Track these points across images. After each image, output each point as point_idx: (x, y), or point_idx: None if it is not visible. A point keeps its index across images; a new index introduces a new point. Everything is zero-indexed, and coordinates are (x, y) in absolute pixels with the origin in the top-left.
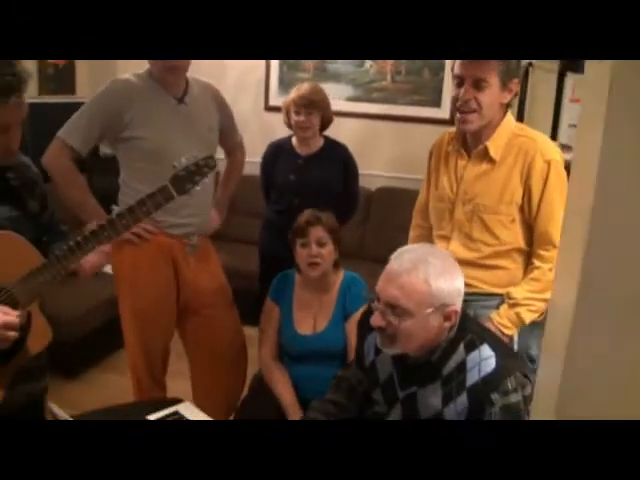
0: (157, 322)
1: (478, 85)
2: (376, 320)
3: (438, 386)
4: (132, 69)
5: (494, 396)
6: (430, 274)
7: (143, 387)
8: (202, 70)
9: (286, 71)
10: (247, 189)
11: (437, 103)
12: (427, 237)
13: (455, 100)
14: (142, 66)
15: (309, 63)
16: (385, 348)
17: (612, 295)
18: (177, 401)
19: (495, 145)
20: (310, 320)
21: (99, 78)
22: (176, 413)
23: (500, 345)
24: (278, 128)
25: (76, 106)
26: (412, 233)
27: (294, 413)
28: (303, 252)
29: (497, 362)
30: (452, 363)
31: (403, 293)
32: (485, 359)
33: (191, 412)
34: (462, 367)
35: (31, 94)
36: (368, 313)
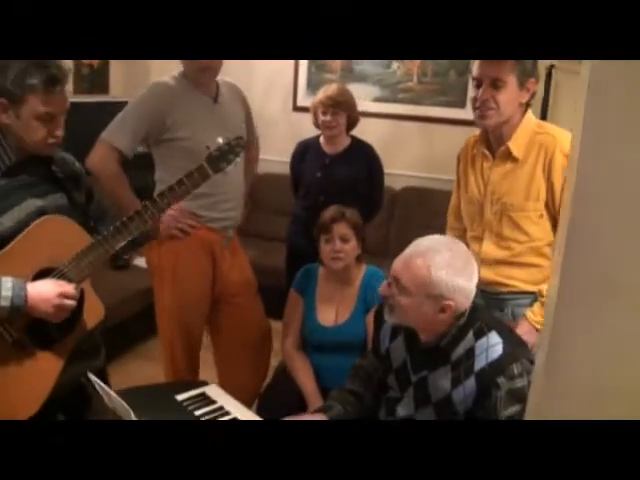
0: (197, 311)
1: (495, 85)
2: (383, 288)
3: (448, 370)
4: (165, 69)
5: (500, 380)
6: (435, 263)
7: (178, 371)
8: (231, 72)
9: (314, 72)
10: (274, 187)
11: (462, 104)
12: (462, 238)
13: (474, 100)
14: (175, 66)
15: (336, 64)
16: (386, 316)
17: (591, 281)
18: (203, 383)
19: (517, 144)
20: (332, 312)
21: (133, 78)
22: (203, 394)
23: (508, 333)
24: (306, 128)
25: (109, 105)
26: (448, 234)
27: (315, 401)
28: (327, 247)
29: (504, 349)
30: (461, 349)
31: (407, 272)
32: (493, 345)
33: (217, 393)
34: (471, 353)
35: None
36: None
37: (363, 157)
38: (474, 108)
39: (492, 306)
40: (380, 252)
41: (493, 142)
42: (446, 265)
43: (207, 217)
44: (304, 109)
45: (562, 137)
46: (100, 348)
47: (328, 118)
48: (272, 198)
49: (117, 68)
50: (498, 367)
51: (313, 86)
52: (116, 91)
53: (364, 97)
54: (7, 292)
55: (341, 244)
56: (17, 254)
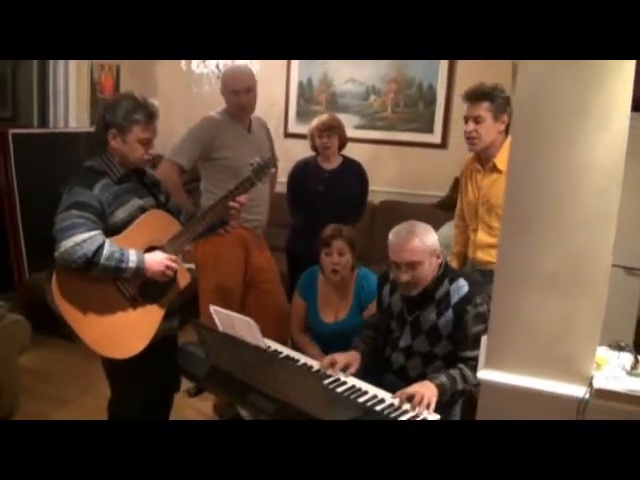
0: (233, 291)
1: (476, 121)
2: (404, 277)
3: (433, 308)
4: (170, 98)
5: (469, 307)
6: (421, 237)
7: None
8: (201, 101)
9: (303, 104)
10: (270, 203)
11: (430, 130)
12: (465, 231)
13: (465, 132)
14: (179, 94)
15: (322, 97)
16: (410, 292)
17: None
18: None
19: (501, 160)
20: (332, 311)
21: None
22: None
23: (470, 278)
24: (296, 152)
25: None
26: (455, 230)
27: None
28: (327, 260)
29: (469, 287)
30: (441, 292)
31: (413, 253)
32: (461, 287)
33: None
34: (447, 293)
35: (83, 124)
36: (384, 275)
37: (354, 171)
38: (465, 138)
39: (488, 280)
40: (363, 257)
41: (483, 160)
42: (424, 233)
43: (243, 218)
44: (294, 135)
45: None
46: (177, 312)
47: (324, 140)
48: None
49: None
50: (466, 299)
51: (302, 115)
52: None
53: (346, 125)
54: (133, 257)
55: (339, 257)
56: (133, 236)
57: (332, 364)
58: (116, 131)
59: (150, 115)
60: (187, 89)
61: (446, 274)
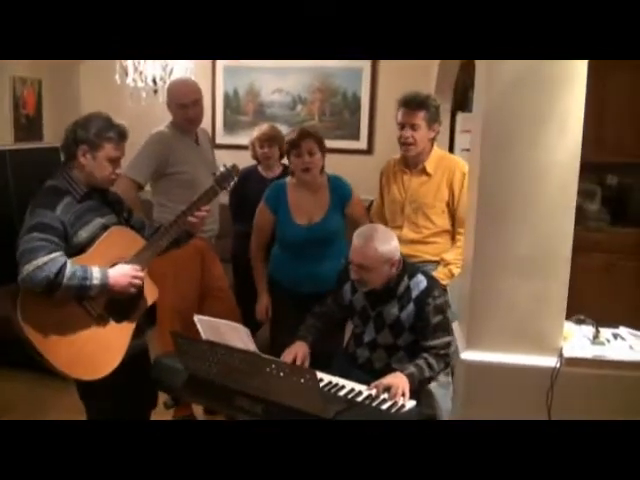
0: (192, 303)
1: (413, 127)
2: (354, 275)
3: (395, 302)
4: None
5: (429, 300)
6: (377, 244)
7: None
8: (158, 117)
9: (229, 115)
10: None
11: (356, 137)
12: None
13: (400, 137)
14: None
15: (249, 107)
16: (361, 288)
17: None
18: None
19: (430, 164)
20: (305, 214)
21: (62, 126)
22: None
23: (427, 273)
24: (223, 162)
25: (45, 151)
26: None
27: (262, 293)
28: (297, 160)
29: (427, 281)
30: (402, 287)
31: (365, 258)
32: (421, 281)
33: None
34: (408, 287)
35: (6, 141)
36: (344, 270)
37: None
38: (400, 143)
39: None
40: None
41: (411, 163)
42: (382, 241)
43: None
44: (222, 146)
45: (460, 162)
46: (145, 327)
47: (265, 150)
48: None
49: (48, 117)
50: (426, 292)
51: (229, 126)
52: (49, 138)
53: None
54: (97, 273)
55: (310, 157)
56: (97, 254)
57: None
58: (87, 147)
59: (121, 134)
60: (118, 104)
61: (405, 270)
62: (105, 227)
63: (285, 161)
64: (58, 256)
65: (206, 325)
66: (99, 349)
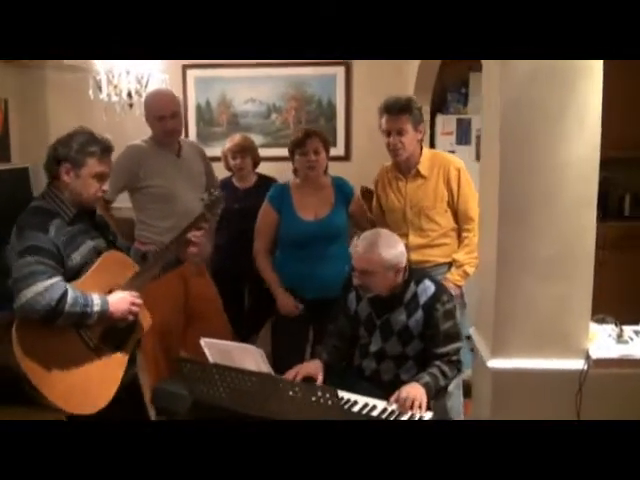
0: (175, 328)
1: (400, 133)
2: (356, 281)
3: (402, 309)
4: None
5: (438, 306)
6: (381, 250)
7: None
8: (128, 130)
9: (202, 126)
10: None
11: (333, 143)
12: None
13: (388, 145)
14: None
15: (223, 118)
16: (365, 293)
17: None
18: None
19: (423, 167)
20: (311, 210)
21: (28, 146)
22: None
23: (434, 279)
24: None
25: (13, 172)
26: None
27: (281, 295)
28: (303, 159)
29: (435, 287)
30: (409, 293)
31: (370, 264)
32: (428, 287)
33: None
34: (415, 294)
35: None
36: (348, 279)
37: (269, 187)
38: (389, 150)
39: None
40: None
41: (404, 168)
42: (387, 246)
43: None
44: None
45: (452, 158)
46: (136, 356)
47: (238, 161)
48: None
49: (16, 136)
50: (434, 298)
51: (203, 138)
52: (16, 158)
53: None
54: (97, 300)
55: (314, 156)
56: (92, 281)
57: (295, 376)
58: (70, 165)
59: (105, 149)
60: (90, 120)
61: (412, 276)
62: (97, 250)
63: (259, 170)
64: (58, 281)
65: (214, 348)
66: (95, 381)
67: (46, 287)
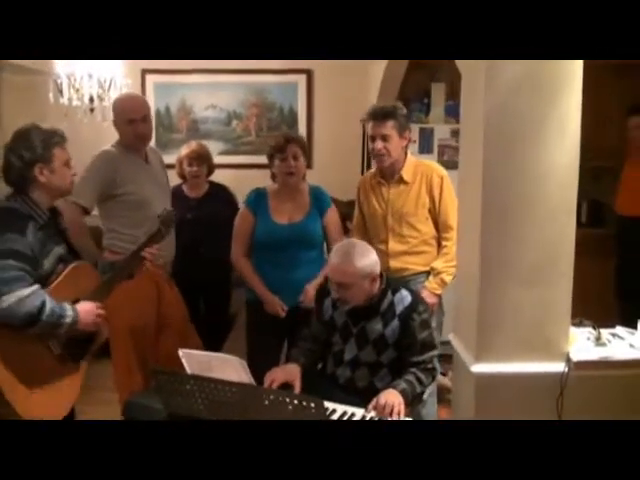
0: (148, 334)
1: (384, 139)
2: (335, 294)
3: (379, 318)
4: None
5: (414, 315)
6: (356, 260)
7: (136, 385)
8: (81, 131)
9: (162, 132)
10: None
11: None
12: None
13: (372, 150)
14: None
15: (182, 124)
16: (343, 306)
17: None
18: None
19: (406, 173)
20: (286, 215)
21: None
22: None
23: (410, 290)
24: None
25: None
26: None
27: (266, 294)
28: (282, 165)
29: (412, 297)
30: (385, 303)
31: (344, 275)
32: (405, 297)
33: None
34: (392, 303)
35: None
36: (323, 288)
37: (222, 196)
38: (373, 156)
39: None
40: (240, 280)
41: (387, 174)
42: (360, 255)
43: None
44: None
45: (435, 166)
46: None
47: (194, 169)
48: None
49: None
50: (411, 308)
51: (162, 145)
52: None
53: (210, 152)
54: (69, 311)
55: (294, 161)
56: (59, 290)
57: (272, 382)
58: (42, 164)
59: (61, 135)
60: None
61: (388, 286)
62: (61, 258)
63: (212, 178)
64: (38, 289)
65: (193, 359)
66: (58, 390)
67: (27, 294)
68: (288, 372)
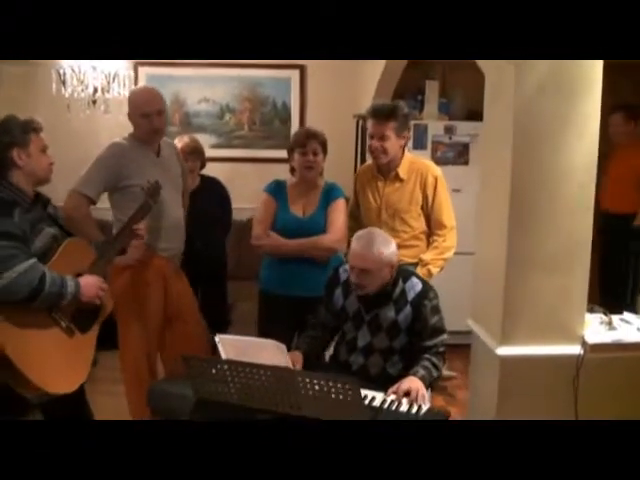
0: (155, 325)
1: (382, 138)
2: (354, 279)
3: (391, 305)
4: None
5: (425, 302)
6: (378, 248)
7: (141, 377)
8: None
9: None
10: None
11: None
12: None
13: (370, 147)
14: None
15: (176, 117)
16: (360, 292)
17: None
18: None
19: (403, 170)
20: (301, 207)
21: None
22: None
23: (420, 277)
24: None
25: None
26: (349, 232)
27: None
28: (302, 159)
29: (422, 284)
30: (397, 290)
31: (367, 263)
32: (415, 284)
33: None
34: (403, 291)
35: None
36: (334, 276)
37: (214, 190)
38: (371, 152)
39: None
40: (234, 274)
41: (384, 170)
42: (383, 244)
43: (159, 247)
44: None
45: (431, 165)
46: None
47: (188, 163)
48: None
49: None
50: (422, 294)
51: None
52: None
53: (203, 145)
54: (71, 282)
55: (313, 157)
56: (58, 266)
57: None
58: (19, 148)
59: (37, 122)
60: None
61: (399, 274)
62: (55, 237)
63: (204, 171)
64: (36, 262)
65: (229, 345)
66: (70, 361)
67: (26, 268)
68: (291, 359)
